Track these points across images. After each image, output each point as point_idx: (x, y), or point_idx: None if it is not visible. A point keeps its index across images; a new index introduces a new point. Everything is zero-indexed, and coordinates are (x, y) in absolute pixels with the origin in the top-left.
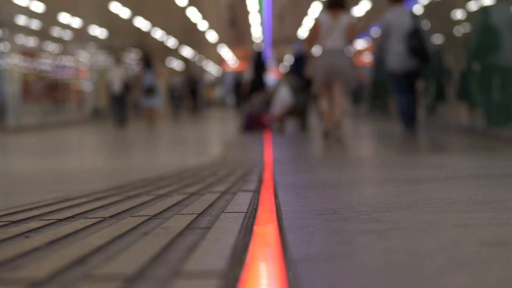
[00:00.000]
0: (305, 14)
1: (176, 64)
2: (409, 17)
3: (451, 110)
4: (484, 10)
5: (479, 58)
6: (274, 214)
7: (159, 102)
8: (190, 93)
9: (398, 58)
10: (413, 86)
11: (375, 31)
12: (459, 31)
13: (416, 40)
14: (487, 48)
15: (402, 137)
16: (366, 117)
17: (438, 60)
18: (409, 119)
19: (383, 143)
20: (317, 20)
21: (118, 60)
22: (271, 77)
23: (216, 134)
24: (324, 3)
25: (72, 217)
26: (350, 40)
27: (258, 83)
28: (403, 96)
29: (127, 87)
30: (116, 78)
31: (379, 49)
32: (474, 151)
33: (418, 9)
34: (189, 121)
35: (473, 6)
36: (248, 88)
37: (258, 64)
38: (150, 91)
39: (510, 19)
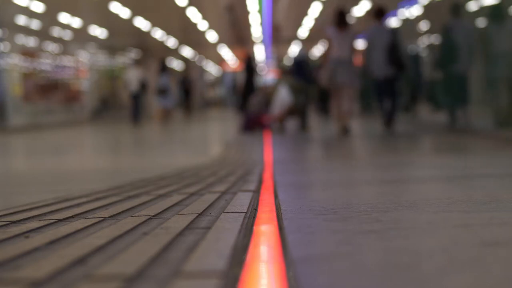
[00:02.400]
0: (305, 14)
1: (176, 64)
2: (387, 32)
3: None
4: (445, 26)
5: (442, 67)
6: (274, 214)
7: (171, 103)
8: (184, 94)
9: (378, 66)
10: (393, 90)
11: (364, 41)
12: None
13: (394, 53)
14: (449, 59)
15: (382, 132)
16: (360, 117)
17: (415, 64)
18: (388, 117)
19: (382, 143)
20: (328, 35)
21: (136, 62)
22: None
23: (216, 134)
24: (332, 17)
25: (72, 217)
26: (354, 50)
27: (249, 85)
28: (382, 98)
29: (144, 87)
30: (134, 79)
31: (366, 59)
32: (472, 151)
33: (395, 25)
34: (182, 122)
35: (473, 6)
36: (243, 90)
37: (249, 67)
38: (163, 92)
39: (466, 34)
